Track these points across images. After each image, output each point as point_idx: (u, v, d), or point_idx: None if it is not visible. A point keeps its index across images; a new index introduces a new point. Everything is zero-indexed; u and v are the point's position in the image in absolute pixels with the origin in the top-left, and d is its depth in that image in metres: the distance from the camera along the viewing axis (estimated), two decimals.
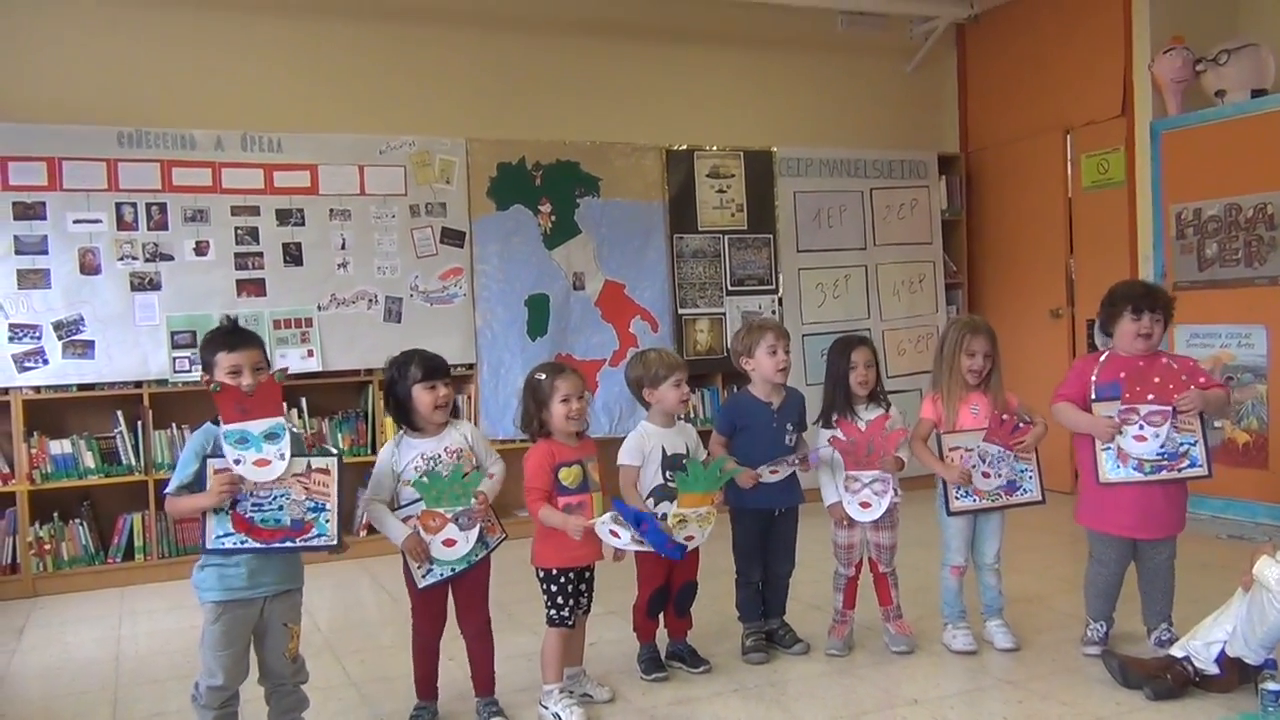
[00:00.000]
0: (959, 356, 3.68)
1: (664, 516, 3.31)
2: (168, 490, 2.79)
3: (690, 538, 3.35)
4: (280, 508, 2.74)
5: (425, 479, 3.05)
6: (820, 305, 6.76)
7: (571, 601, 3.29)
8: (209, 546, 2.71)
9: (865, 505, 3.63)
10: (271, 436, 2.73)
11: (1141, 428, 3.47)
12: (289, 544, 2.77)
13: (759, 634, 3.77)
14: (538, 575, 3.31)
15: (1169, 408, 3.44)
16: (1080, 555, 3.88)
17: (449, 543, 3.06)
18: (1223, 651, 3.16)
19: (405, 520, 3.10)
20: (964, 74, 7.55)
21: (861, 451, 3.61)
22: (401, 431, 3.22)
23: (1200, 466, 3.47)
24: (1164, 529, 3.55)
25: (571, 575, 3.29)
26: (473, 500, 3.06)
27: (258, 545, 2.73)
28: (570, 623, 3.30)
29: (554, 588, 3.28)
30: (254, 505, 2.73)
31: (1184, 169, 5.91)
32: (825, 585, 3.88)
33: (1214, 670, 3.17)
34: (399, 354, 3.21)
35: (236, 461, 2.69)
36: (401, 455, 3.15)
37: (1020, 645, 3.74)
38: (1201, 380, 3.52)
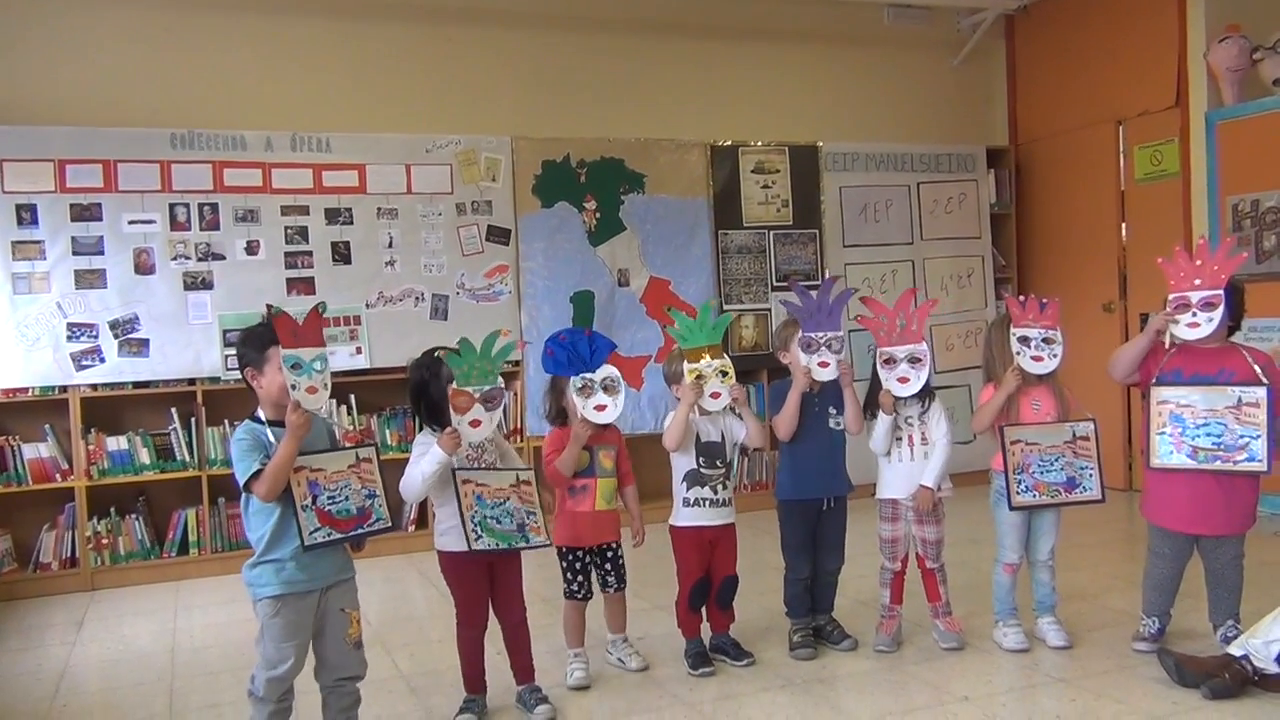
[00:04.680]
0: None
1: (694, 498, 3.57)
2: (246, 481, 2.71)
3: (716, 395, 3.48)
4: (346, 498, 2.83)
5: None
6: None
7: (580, 577, 3.54)
8: (309, 543, 2.74)
9: (904, 380, 3.58)
10: (319, 363, 2.79)
11: (1195, 315, 3.39)
12: (360, 530, 2.86)
13: (807, 630, 3.75)
14: (557, 553, 3.55)
15: (1219, 291, 3.34)
16: (1135, 553, 3.82)
17: (475, 423, 3.09)
18: None
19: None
20: (1013, 65, 7.45)
21: (893, 326, 3.58)
22: (428, 430, 3.20)
23: (1259, 461, 3.33)
24: (1225, 526, 3.45)
25: (580, 553, 3.53)
26: (498, 379, 3.13)
27: (341, 535, 2.82)
28: (579, 595, 3.55)
29: (563, 564, 3.56)
30: (329, 499, 2.80)
31: (1240, 160, 5.79)
32: (873, 581, 3.86)
33: (1274, 669, 3.10)
34: (425, 354, 3.20)
35: (293, 387, 2.73)
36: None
37: (1073, 643, 3.68)
38: None
